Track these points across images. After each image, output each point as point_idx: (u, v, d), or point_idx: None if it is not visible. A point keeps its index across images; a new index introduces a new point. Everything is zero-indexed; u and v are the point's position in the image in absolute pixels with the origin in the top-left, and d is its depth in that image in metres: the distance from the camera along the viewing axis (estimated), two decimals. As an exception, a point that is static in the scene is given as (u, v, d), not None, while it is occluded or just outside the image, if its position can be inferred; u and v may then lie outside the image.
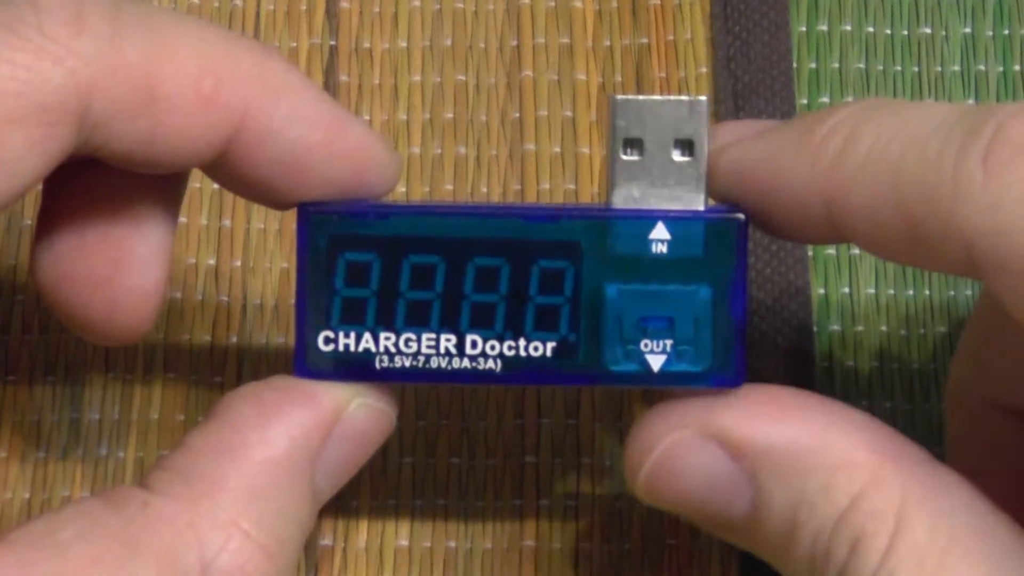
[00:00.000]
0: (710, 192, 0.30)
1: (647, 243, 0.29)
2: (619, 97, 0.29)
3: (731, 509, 0.29)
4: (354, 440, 0.30)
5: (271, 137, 0.28)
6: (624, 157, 0.29)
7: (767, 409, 0.29)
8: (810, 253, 0.38)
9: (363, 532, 0.36)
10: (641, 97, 0.30)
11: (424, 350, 0.29)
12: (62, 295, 0.30)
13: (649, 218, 0.29)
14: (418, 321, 0.29)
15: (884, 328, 0.38)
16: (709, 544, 0.36)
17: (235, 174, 0.29)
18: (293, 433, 0.29)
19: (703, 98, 0.29)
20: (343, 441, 0.29)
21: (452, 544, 0.36)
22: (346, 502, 0.36)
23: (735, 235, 0.29)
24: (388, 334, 0.29)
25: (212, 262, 0.38)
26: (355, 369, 0.29)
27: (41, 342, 0.37)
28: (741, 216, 0.29)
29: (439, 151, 0.39)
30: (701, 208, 0.29)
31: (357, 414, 0.30)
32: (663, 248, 0.29)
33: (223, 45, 0.28)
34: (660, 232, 0.29)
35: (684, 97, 0.29)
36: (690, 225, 0.29)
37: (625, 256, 0.29)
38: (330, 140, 0.29)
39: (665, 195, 0.29)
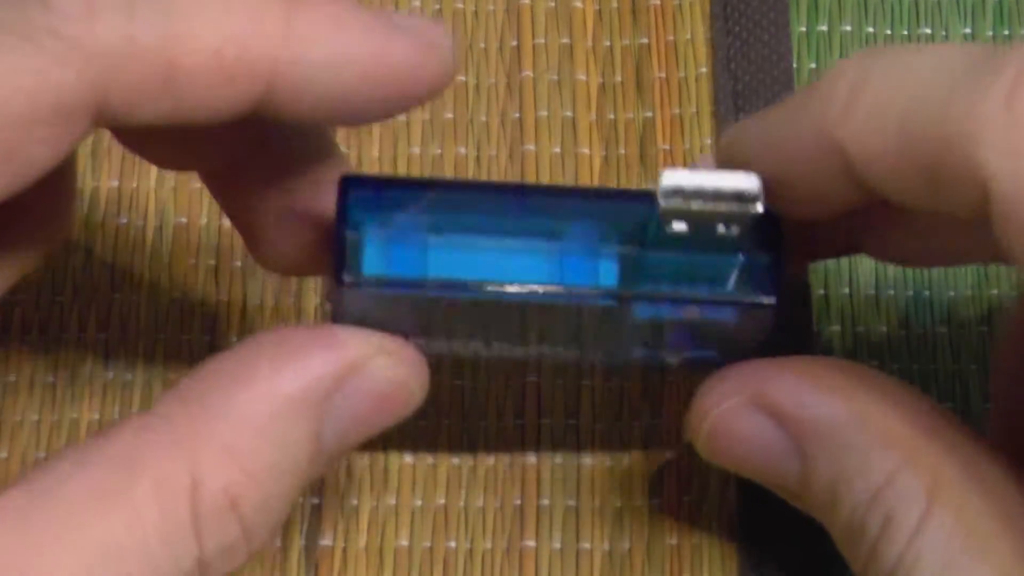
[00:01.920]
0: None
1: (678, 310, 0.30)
2: (668, 186, 0.28)
3: (785, 473, 0.30)
4: (369, 398, 0.29)
5: (306, 86, 0.27)
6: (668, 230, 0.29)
7: (813, 382, 0.30)
8: (810, 253, 0.38)
9: (363, 532, 0.36)
10: (692, 202, 0.28)
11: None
12: None
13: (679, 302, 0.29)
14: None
15: (884, 328, 0.37)
16: (709, 544, 0.36)
17: (279, 122, 0.28)
18: (306, 373, 0.29)
19: (756, 190, 0.28)
20: (358, 396, 0.29)
21: (452, 544, 0.36)
22: (346, 502, 0.36)
23: (767, 318, 0.29)
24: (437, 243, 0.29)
25: (212, 262, 0.38)
26: (403, 272, 0.29)
27: (41, 342, 0.37)
28: (772, 301, 0.29)
29: (439, 151, 0.39)
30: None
31: (377, 372, 0.29)
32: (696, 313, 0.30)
33: (245, 4, 0.27)
34: (691, 311, 0.29)
35: (732, 190, 0.28)
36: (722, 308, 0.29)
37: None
38: (372, 70, 0.28)
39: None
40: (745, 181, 0.28)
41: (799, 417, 0.29)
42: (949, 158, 0.26)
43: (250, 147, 0.31)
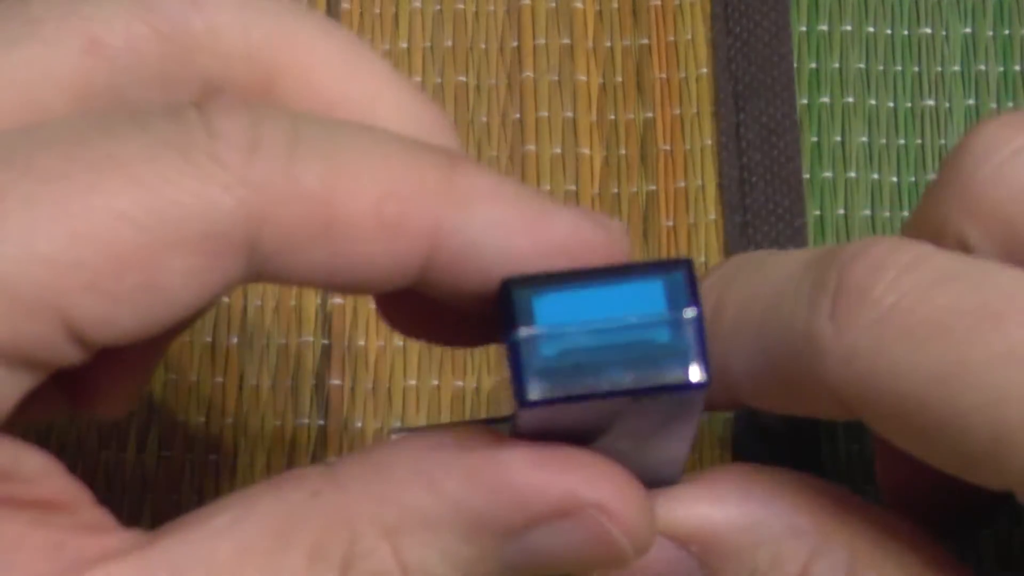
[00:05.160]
0: None
1: None
2: None
3: None
4: (571, 549, 0.27)
5: (470, 251, 0.26)
6: None
7: (704, 494, 0.30)
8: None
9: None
10: None
11: None
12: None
13: None
14: None
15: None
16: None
17: (440, 293, 0.27)
18: (507, 500, 0.26)
19: None
20: (557, 540, 0.26)
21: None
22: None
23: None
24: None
25: (213, 263, 0.38)
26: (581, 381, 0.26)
27: (42, 343, 0.37)
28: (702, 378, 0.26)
29: (440, 152, 0.39)
30: None
31: (589, 522, 0.26)
32: None
33: (406, 160, 0.26)
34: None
35: None
36: None
37: None
38: (536, 239, 0.26)
39: None
40: None
41: (698, 532, 0.29)
42: (799, 375, 0.27)
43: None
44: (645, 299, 0.26)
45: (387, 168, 0.26)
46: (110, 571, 0.25)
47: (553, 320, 0.26)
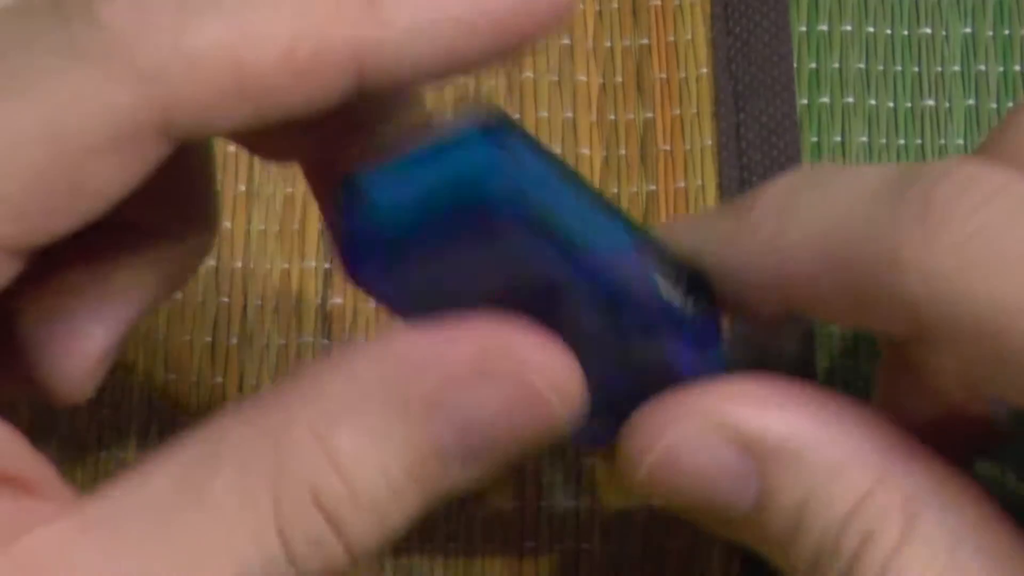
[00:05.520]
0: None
1: None
2: None
3: (734, 504, 0.29)
4: (497, 401, 0.26)
5: (402, 58, 0.25)
6: None
7: (777, 403, 0.29)
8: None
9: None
10: None
11: None
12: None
13: None
14: None
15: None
16: (709, 547, 0.36)
17: (382, 97, 0.27)
18: (410, 363, 0.26)
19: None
20: (483, 398, 0.26)
21: (452, 544, 0.36)
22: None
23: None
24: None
25: (213, 263, 0.38)
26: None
27: (42, 343, 0.37)
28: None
29: (440, 152, 0.39)
30: None
31: (507, 370, 0.26)
32: None
33: None
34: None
35: None
36: None
37: None
38: (473, 25, 0.26)
39: None
40: None
41: (766, 439, 0.28)
42: (875, 288, 0.27)
43: (346, 132, 0.28)
44: (465, 147, 0.26)
45: (299, 8, 0.25)
46: (44, 535, 0.25)
47: (379, 195, 0.26)
